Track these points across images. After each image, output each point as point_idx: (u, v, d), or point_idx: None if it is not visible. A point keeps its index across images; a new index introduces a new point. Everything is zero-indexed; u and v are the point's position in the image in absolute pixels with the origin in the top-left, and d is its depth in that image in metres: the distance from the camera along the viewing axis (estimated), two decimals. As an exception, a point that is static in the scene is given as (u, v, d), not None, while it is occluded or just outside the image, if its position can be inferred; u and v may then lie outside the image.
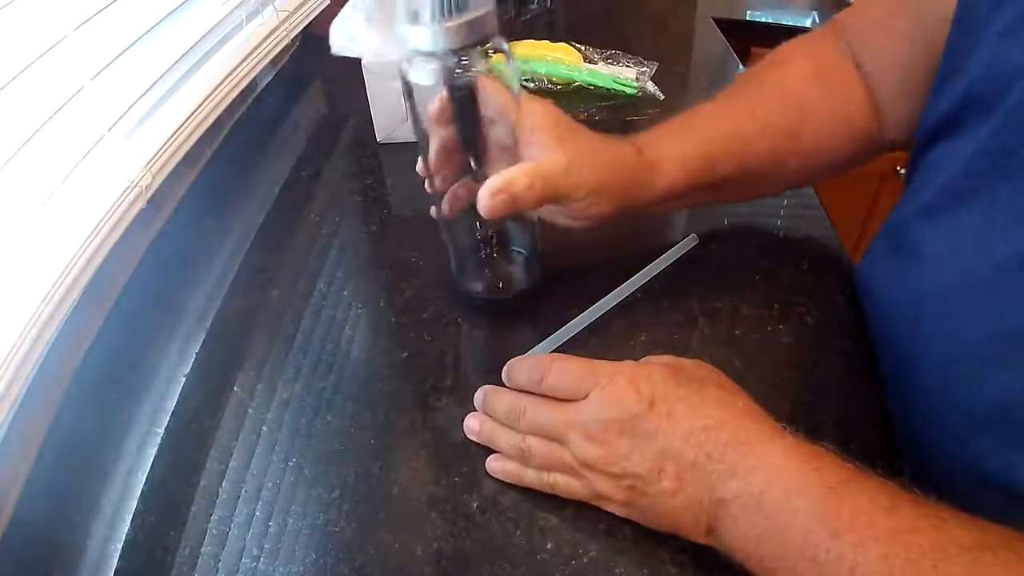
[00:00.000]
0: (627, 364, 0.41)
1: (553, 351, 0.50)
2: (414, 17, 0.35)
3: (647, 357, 0.42)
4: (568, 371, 0.40)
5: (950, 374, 0.42)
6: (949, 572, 0.27)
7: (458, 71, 0.37)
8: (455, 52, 0.35)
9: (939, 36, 0.44)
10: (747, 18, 1.19)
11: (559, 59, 0.87)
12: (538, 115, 0.45)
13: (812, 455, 0.34)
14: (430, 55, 0.36)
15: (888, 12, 0.51)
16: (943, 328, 0.43)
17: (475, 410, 0.47)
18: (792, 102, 0.52)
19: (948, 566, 0.27)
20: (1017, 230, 0.37)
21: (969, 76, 0.41)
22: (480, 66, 0.37)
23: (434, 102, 0.42)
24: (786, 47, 0.56)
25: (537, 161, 0.43)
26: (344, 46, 0.41)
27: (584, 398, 0.39)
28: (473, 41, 0.35)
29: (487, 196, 0.42)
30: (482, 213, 0.42)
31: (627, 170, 0.47)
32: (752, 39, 1.17)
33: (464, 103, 0.39)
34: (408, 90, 0.40)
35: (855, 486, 0.32)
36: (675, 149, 0.49)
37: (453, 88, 0.39)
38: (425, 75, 0.37)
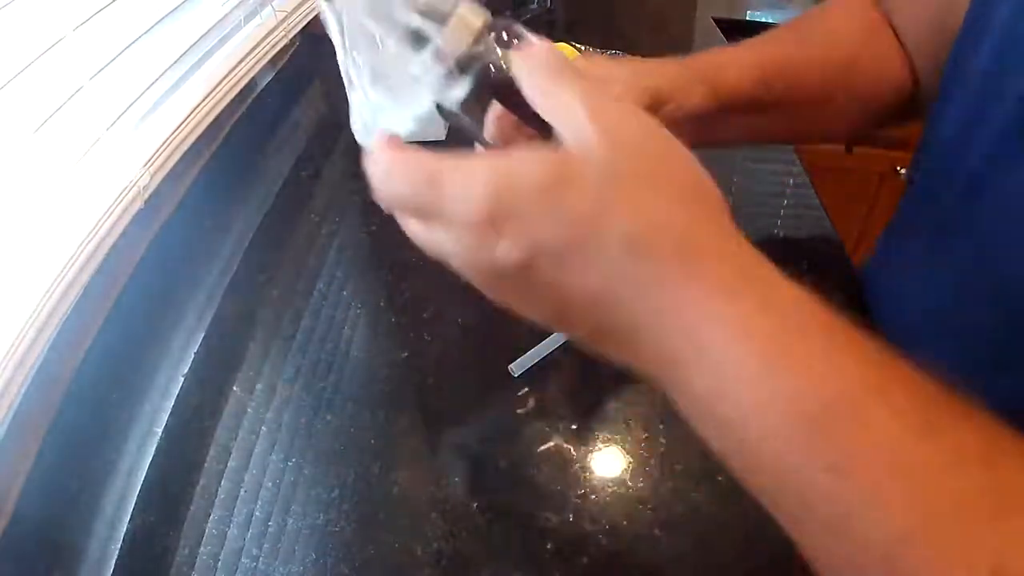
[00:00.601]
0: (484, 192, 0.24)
1: (553, 351, 0.51)
2: (416, 43, 0.32)
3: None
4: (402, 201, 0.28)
5: (959, 375, 0.42)
6: (1002, 527, 0.21)
7: (492, 70, 0.34)
8: (472, 52, 0.33)
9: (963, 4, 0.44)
10: (747, 18, 1.19)
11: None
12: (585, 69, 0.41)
13: (793, 343, 0.24)
14: (452, 71, 0.33)
15: None
16: (952, 328, 0.43)
17: (477, 414, 0.47)
18: (841, 42, 0.52)
19: (999, 520, 0.21)
20: None
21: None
22: (501, 54, 0.34)
23: (490, 119, 0.36)
24: (831, 3, 0.56)
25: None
26: (368, 140, 0.37)
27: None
28: (479, 29, 0.33)
29: None
30: None
31: (686, 67, 0.45)
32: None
33: (511, 95, 0.34)
34: (451, 113, 0.37)
35: (867, 397, 0.23)
36: (730, 57, 0.48)
37: (496, 88, 0.35)
38: (460, 89, 0.34)
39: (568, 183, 0.24)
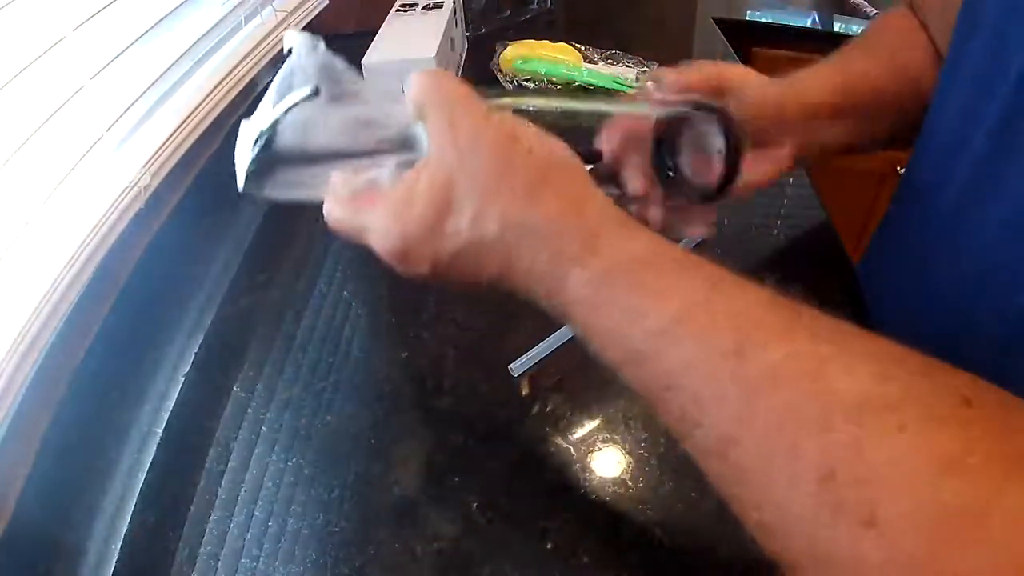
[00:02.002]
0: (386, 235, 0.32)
1: (554, 351, 0.51)
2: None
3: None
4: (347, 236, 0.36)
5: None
6: (827, 436, 0.22)
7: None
8: None
9: None
10: (747, 18, 1.19)
11: (559, 59, 0.87)
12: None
13: (627, 289, 0.28)
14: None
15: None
16: (948, 323, 0.43)
17: (478, 414, 0.47)
18: (904, 54, 0.54)
19: (824, 430, 0.23)
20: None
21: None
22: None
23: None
24: (882, 21, 0.59)
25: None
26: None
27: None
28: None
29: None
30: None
31: (770, 84, 0.48)
32: (752, 39, 1.17)
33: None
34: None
35: (694, 323, 0.27)
36: (811, 75, 0.51)
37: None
38: None
39: (444, 207, 0.30)
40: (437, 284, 0.33)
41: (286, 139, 0.34)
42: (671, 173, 0.42)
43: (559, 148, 0.32)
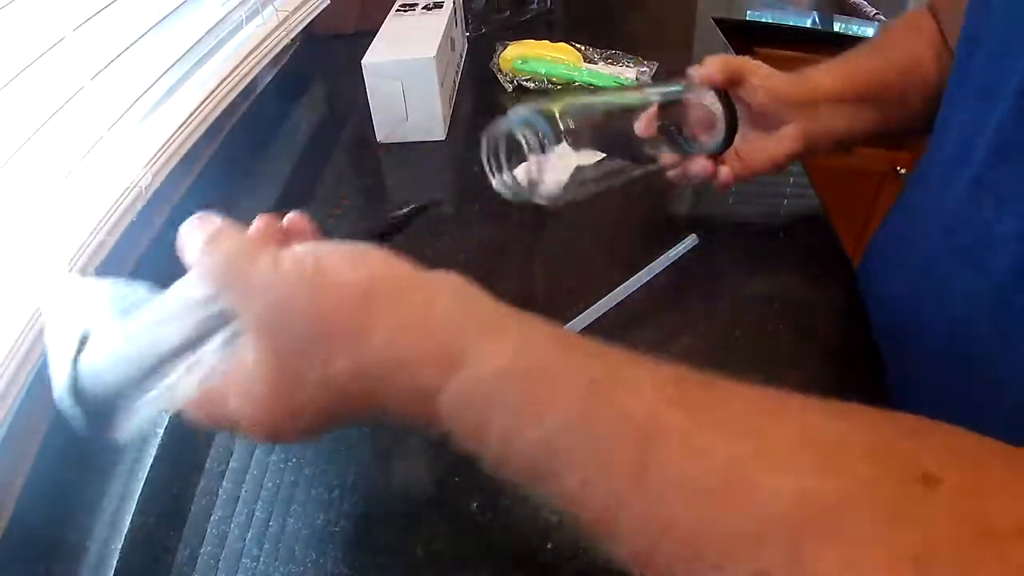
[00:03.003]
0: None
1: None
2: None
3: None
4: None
5: (955, 372, 0.42)
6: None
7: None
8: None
9: None
10: (747, 18, 1.19)
11: (559, 59, 0.87)
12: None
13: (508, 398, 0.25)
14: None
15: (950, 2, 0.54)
16: (946, 323, 0.43)
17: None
18: (910, 50, 0.57)
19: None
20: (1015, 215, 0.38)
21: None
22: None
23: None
24: (898, 21, 0.61)
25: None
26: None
27: None
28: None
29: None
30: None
31: (779, 74, 0.54)
32: (752, 39, 1.17)
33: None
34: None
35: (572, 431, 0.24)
36: (819, 67, 0.56)
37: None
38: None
39: (279, 372, 0.27)
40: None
41: (96, 389, 0.30)
42: (684, 142, 0.53)
43: (375, 260, 0.28)
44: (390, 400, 0.26)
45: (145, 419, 0.30)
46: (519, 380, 0.24)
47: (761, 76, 0.52)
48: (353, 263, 0.27)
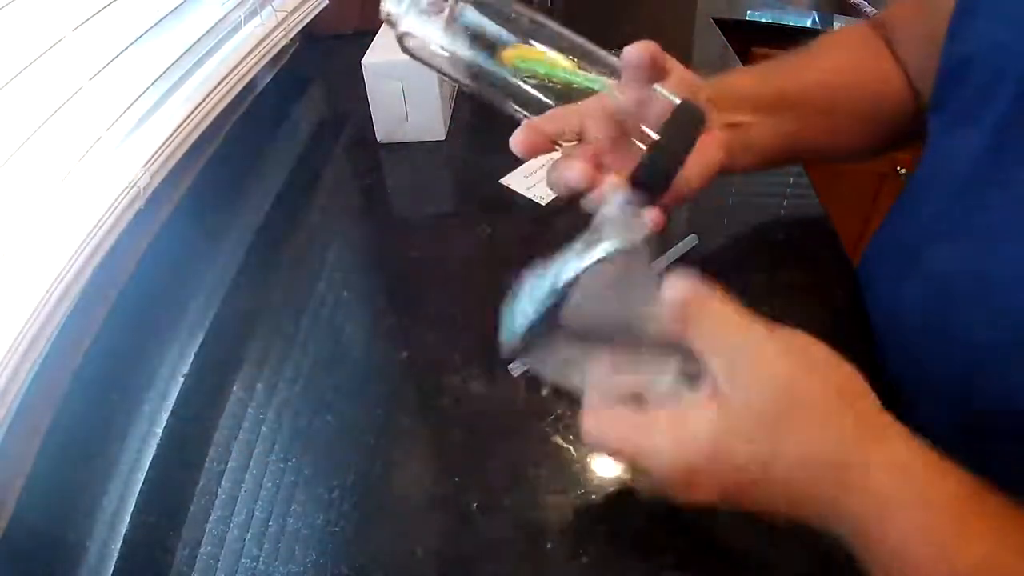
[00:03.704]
0: (680, 457, 0.31)
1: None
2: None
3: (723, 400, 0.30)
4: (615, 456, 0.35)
5: (958, 375, 0.42)
6: None
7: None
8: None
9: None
10: (747, 18, 1.19)
11: (558, 59, 0.87)
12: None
13: (934, 515, 0.29)
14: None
15: (911, 12, 0.54)
16: (950, 328, 0.43)
17: (477, 414, 0.47)
18: (838, 56, 0.54)
19: None
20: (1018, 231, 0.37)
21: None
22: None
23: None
24: (832, 34, 0.59)
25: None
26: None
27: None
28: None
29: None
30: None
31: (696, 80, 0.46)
32: (752, 39, 1.17)
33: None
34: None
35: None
36: (737, 73, 0.51)
37: None
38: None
39: (733, 440, 0.29)
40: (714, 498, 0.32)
41: (575, 301, 0.32)
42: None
43: (847, 373, 0.31)
44: (814, 491, 0.29)
45: (550, 371, 0.34)
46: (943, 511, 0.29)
47: (681, 70, 0.42)
48: (834, 361, 0.31)
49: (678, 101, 0.36)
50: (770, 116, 0.49)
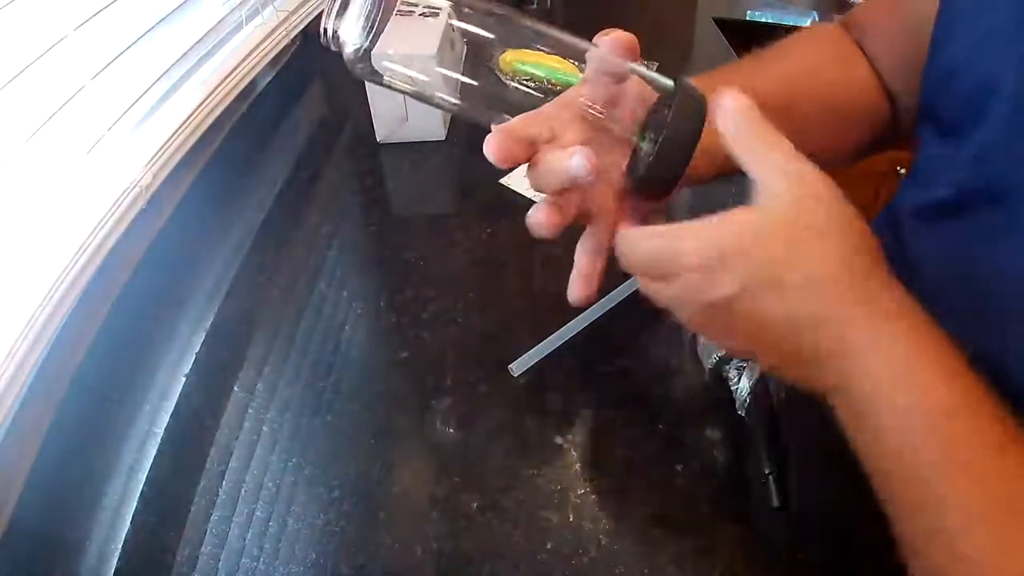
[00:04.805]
0: (705, 253, 0.31)
1: (553, 351, 0.50)
2: None
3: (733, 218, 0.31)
4: (645, 265, 0.35)
5: None
6: None
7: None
8: None
9: (928, 30, 0.45)
10: (747, 18, 1.19)
11: (558, 60, 0.87)
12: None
13: (922, 365, 0.30)
14: None
15: (884, 11, 0.52)
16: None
17: (478, 414, 0.47)
18: (796, 54, 0.53)
19: None
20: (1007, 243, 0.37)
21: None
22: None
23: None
24: (794, 36, 0.56)
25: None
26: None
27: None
28: None
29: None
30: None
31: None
32: (752, 39, 1.16)
33: None
34: None
35: (965, 414, 0.29)
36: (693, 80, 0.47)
37: None
38: None
39: (773, 234, 0.30)
40: (710, 331, 0.34)
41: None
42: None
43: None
44: (834, 310, 0.30)
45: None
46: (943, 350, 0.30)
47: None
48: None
49: (671, 84, 0.34)
50: None
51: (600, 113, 0.37)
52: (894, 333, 0.30)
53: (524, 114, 0.39)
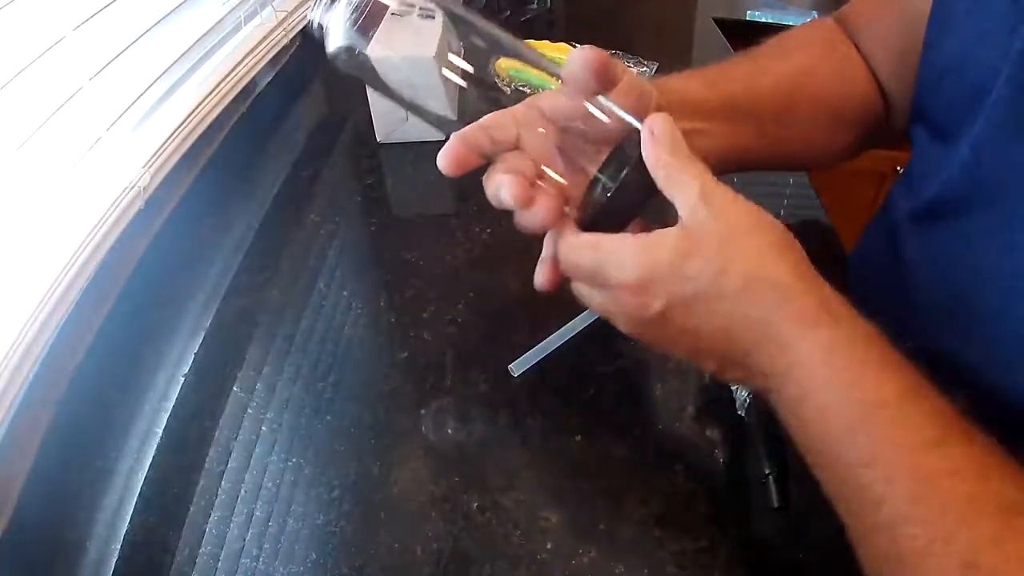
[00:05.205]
0: (633, 273, 0.33)
1: (553, 351, 0.50)
2: None
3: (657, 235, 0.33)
4: (579, 273, 0.36)
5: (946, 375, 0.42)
6: (978, 528, 0.26)
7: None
8: None
9: (922, 28, 0.45)
10: (747, 18, 1.19)
11: (559, 60, 0.87)
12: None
13: (857, 361, 0.30)
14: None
15: (878, 7, 0.52)
16: (938, 328, 0.43)
17: (478, 414, 0.47)
18: (792, 52, 0.53)
19: (978, 522, 0.27)
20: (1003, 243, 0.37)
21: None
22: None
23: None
24: (789, 33, 0.56)
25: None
26: None
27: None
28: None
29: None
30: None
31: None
32: (752, 39, 1.17)
33: None
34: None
35: (902, 409, 0.29)
36: (681, 77, 0.47)
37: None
38: None
39: (691, 253, 0.32)
40: (647, 339, 0.35)
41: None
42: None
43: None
44: (762, 313, 0.31)
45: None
46: (872, 347, 0.31)
47: (630, 76, 0.38)
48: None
49: (639, 126, 0.34)
50: (724, 123, 0.46)
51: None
52: (824, 329, 0.31)
53: (492, 114, 0.39)
